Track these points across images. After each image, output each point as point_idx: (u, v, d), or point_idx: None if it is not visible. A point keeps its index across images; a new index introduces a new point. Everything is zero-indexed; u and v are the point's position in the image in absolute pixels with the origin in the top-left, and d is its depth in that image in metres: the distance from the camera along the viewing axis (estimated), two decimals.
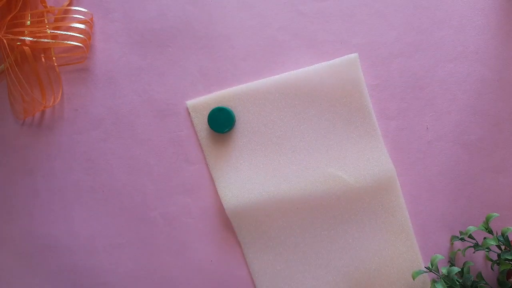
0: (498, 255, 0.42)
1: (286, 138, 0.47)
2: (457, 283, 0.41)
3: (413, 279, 0.41)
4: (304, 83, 0.47)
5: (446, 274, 0.41)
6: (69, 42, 0.47)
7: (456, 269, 0.40)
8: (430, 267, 0.42)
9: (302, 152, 0.46)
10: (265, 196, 0.45)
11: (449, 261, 0.46)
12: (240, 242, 0.47)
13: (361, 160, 0.46)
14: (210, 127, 0.46)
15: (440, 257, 0.42)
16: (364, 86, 0.47)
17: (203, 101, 0.47)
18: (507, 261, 0.41)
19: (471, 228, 0.44)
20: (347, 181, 0.46)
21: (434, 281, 0.41)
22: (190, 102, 0.47)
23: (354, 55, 0.47)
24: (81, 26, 0.48)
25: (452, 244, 0.46)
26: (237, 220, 0.46)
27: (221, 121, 0.46)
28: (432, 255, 0.46)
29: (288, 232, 0.47)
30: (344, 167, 0.46)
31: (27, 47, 0.47)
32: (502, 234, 0.42)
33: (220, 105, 0.47)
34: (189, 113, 0.48)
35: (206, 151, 0.47)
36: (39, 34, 0.47)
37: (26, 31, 0.47)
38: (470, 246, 0.44)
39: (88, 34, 0.48)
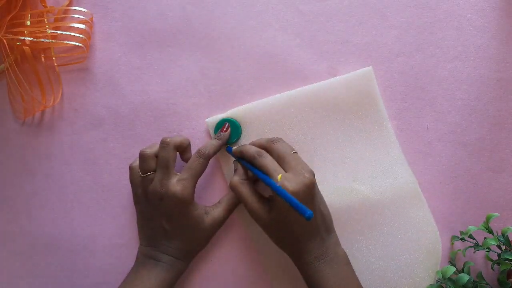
0: (499, 255, 0.42)
1: (301, 152, 0.45)
2: None
3: None
4: (319, 98, 0.46)
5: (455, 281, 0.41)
6: (69, 42, 0.47)
7: (466, 277, 0.40)
8: (442, 279, 0.42)
9: (318, 166, 0.45)
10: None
11: (449, 261, 0.46)
12: (264, 264, 0.47)
13: (379, 173, 0.46)
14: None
15: (453, 269, 0.41)
16: (380, 99, 0.46)
17: (221, 118, 0.47)
18: (508, 261, 0.41)
19: (472, 228, 0.44)
20: (366, 194, 0.45)
21: None
22: (209, 120, 0.47)
23: (368, 69, 0.46)
24: (81, 26, 0.48)
25: (452, 244, 0.46)
26: (256, 237, 0.46)
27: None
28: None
29: None
30: (362, 180, 0.45)
31: (27, 47, 0.46)
32: (503, 234, 0.42)
33: (236, 120, 0.46)
34: (208, 130, 0.47)
35: (223, 166, 0.47)
36: (39, 34, 0.47)
37: (26, 31, 0.47)
38: (471, 246, 0.44)
39: (88, 34, 0.48)
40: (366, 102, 0.46)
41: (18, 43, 0.47)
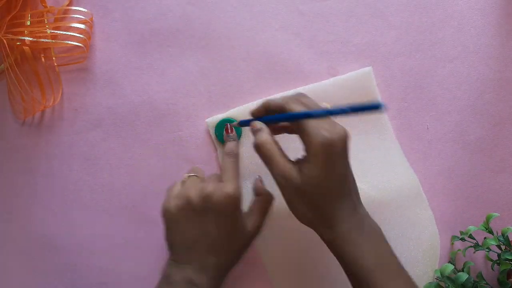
0: (498, 255, 0.42)
1: (301, 152, 0.45)
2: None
3: None
4: (319, 97, 0.45)
5: (453, 280, 0.41)
6: (69, 42, 0.47)
7: (464, 276, 0.40)
8: (441, 277, 0.42)
9: None
10: (280, 209, 0.45)
11: (449, 261, 0.46)
12: (264, 263, 0.46)
13: (381, 173, 0.46)
14: (218, 139, 0.46)
15: (451, 267, 0.41)
16: (379, 99, 0.46)
17: (221, 118, 0.47)
18: (508, 261, 0.41)
19: (471, 228, 0.44)
20: (366, 192, 0.45)
21: None
22: (209, 120, 0.47)
23: (368, 68, 0.46)
24: (81, 26, 0.48)
25: (452, 244, 0.46)
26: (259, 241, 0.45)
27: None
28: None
29: (305, 246, 0.45)
30: (364, 179, 0.45)
31: (27, 47, 0.46)
32: (502, 234, 0.42)
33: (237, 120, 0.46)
34: (208, 130, 0.47)
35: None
36: (39, 34, 0.47)
37: (26, 31, 0.47)
38: (471, 246, 0.44)
39: (88, 34, 0.48)
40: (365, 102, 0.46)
41: (18, 43, 0.47)
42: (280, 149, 0.36)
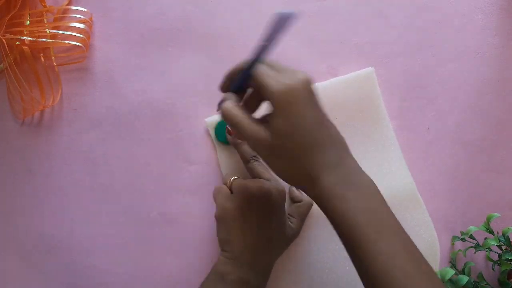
0: (499, 256, 0.42)
1: None
2: None
3: None
4: (320, 98, 0.46)
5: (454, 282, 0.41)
6: (68, 41, 0.47)
7: (465, 279, 0.40)
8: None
9: None
10: None
11: (450, 262, 0.46)
12: None
13: (379, 174, 0.45)
14: (218, 138, 0.46)
15: (451, 272, 0.41)
16: (381, 100, 0.46)
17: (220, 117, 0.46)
18: (508, 261, 0.41)
19: (472, 228, 0.44)
20: None
21: None
22: (208, 120, 0.47)
23: (370, 69, 0.46)
24: (81, 25, 0.48)
25: (453, 244, 0.46)
26: None
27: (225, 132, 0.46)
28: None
29: (300, 246, 0.45)
30: None
31: (26, 47, 0.46)
32: (503, 234, 0.42)
33: None
34: (207, 130, 0.47)
35: (222, 166, 0.47)
36: (38, 34, 0.47)
37: (25, 31, 0.47)
38: (471, 247, 0.44)
39: (87, 34, 0.48)
40: (367, 103, 0.46)
41: (17, 42, 0.47)
42: (245, 112, 0.34)
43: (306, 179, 0.32)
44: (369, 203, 0.31)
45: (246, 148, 0.42)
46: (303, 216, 0.44)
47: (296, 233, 0.43)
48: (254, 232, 0.39)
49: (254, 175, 0.41)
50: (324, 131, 0.32)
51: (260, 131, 0.32)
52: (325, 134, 0.32)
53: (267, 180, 0.40)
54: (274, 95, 0.31)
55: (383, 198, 0.33)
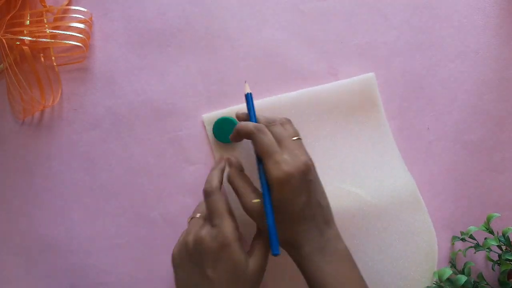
0: (499, 256, 0.42)
1: None
2: None
3: None
4: (320, 101, 0.46)
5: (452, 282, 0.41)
6: (68, 41, 0.47)
7: (463, 278, 0.40)
8: (439, 281, 0.42)
9: (316, 168, 0.42)
10: None
11: (450, 262, 0.46)
12: None
13: (379, 178, 0.45)
14: (216, 137, 0.46)
15: (449, 272, 0.41)
16: (381, 105, 0.46)
17: (218, 114, 0.47)
18: (508, 262, 0.41)
19: (472, 229, 0.44)
20: (364, 197, 0.45)
21: None
22: (206, 116, 0.47)
23: (371, 74, 0.46)
24: (81, 25, 0.48)
25: (453, 244, 0.46)
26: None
27: (226, 131, 0.46)
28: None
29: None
30: (360, 183, 0.45)
31: (26, 47, 0.46)
32: (503, 235, 0.42)
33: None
34: (204, 126, 0.47)
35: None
36: (38, 34, 0.47)
37: (25, 31, 0.47)
38: (471, 247, 0.44)
39: (87, 34, 0.48)
40: (367, 107, 0.46)
41: (17, 42, 0.47)
42: (247, 181, 0.40)
43: (291, 247, 0.38)
44: (340, 270, 0.37)
45: (211, 181, 0.40)
46: (265, 250, 0.39)
47: (258, 272, 0.37)
48: (196, 278, 0.37)
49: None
50: (310, 209, 0.37)
51: (258, 203, 0.38)
52: (310, 211, 0.37)
53: (217, 223, 0.37)
54: (273, 181, 0.36)
55: (353, 262, 0.38)
